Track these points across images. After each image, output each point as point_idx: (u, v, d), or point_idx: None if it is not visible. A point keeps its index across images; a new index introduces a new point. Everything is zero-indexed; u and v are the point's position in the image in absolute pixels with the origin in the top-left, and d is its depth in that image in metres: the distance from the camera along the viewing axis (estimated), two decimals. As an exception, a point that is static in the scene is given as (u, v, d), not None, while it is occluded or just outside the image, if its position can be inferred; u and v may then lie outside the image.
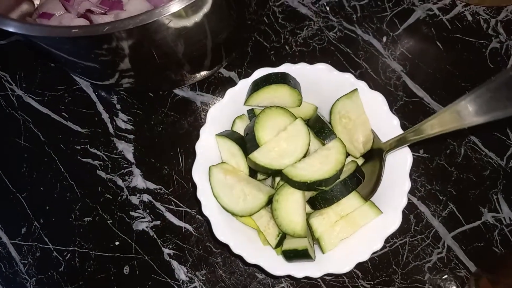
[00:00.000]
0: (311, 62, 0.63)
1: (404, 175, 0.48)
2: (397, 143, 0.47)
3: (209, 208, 0.49)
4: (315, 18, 0.65)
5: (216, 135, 0.51)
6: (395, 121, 0.50)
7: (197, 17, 0.46)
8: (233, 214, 0.49)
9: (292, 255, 0.46)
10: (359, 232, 0.49)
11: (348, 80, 0.51)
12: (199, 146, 0.51)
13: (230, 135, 0.51)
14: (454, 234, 0.57)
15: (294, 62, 0.63)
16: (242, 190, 0.48)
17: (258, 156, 0.47)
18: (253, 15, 0.58)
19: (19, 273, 0.58)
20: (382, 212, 0.48)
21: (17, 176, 0.62)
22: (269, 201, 0.48)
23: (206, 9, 0.45)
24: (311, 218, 0.49)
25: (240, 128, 0.52)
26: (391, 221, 0.48)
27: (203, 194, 0.49)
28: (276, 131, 0.49)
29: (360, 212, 0.48)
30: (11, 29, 0.39)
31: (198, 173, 0.50)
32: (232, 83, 0.64)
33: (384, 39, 0.64)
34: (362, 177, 0.49)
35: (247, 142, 0.50)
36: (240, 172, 0.50)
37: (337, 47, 0.64)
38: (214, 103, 0.62)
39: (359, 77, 0.62)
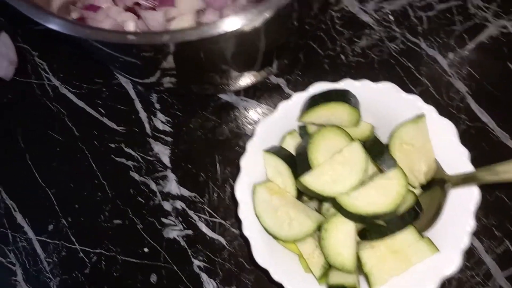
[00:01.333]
0: (369, 74, 0.58)
1: (468, 213, 0.44)
2: (465, 180, 0.43)
3: (250, 228, 0.45)
4: (376, 26, 0.60)
5: (263, 150, 0.47)
6: (464, 155, 0.45)
7: (258, 24, 0.42)
8: (276, 238, 0.45)
9: None
10: (410, 269, 0.44)
11: (414, 103, 0.46)
12: (245, 161, 0.47)
13: (279, 152, 0.47)
14: (507, 274, 0.52)
15: (350, 73, 0.59)
16: (287, 214, 0.44)
17: (310, 180, 0.43)
18: (313, 20, 0.53)
19: (43, 271, 0.56)
20: (438, 250, 0.44)
21: (47, 170, 0.59)
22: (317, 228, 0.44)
23: (268, 14, 0.41)
24: (361, 250, 0.44)
25: (290, 146, 0.48)
26: (449, 261, 0.44)
27: (245, 213, 0.46)
28: (330, 153, 0.44)
29: (415, 249, 0.44)
30: (55, 27, 0.36)
31: (242, 190, 0.46)
32: (280, 91, 0.59)
33: (451, 55, 0.58)
34: (421, 210, 0.44)
35: (298, 163, 0.46)
36: (287, 194, 0.46)
37: (398, 60, 0.58)
38: (258, 110, 0.59)
39: (420, 95, 0.56)
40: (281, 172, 0.46)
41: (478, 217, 0.53)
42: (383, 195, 0.42)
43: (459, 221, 0.44)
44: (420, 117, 0.45)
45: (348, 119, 0.46)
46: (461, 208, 0.44)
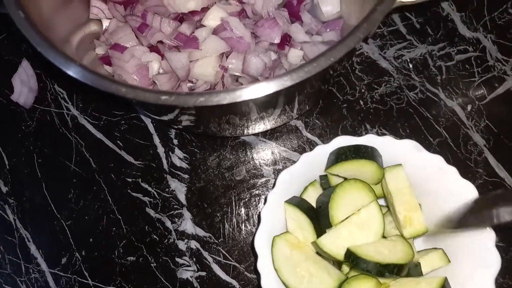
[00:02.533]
0: (387, 121, 0.59)
1: (489, 281, 0.44)
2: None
3: (269, 282, 0.45)
4: (395, 74, 0.60)
5: (285, 202, 0.47)
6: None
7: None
8: None
9: None
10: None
11: (437, 164, 0.46)
12: (265, 213, 0.47)
13: (300, 204, 0.47)
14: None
15: (367, 119, 0.59)
16: (308, 270, 0.45)
17: (326, 243, 0.43)
18: (338, 65, 0.54)
19: (54, 304, 0.56)
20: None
21: (63, 201, 0.59)
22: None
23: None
24: None
25: (312, 196, 0.48)
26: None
27: (264, 266, 0.46)
28: (351, 208, 0.45)
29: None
30: (75, 76, 0.36)
31: (261, 242, 0.46)
32: (298, 133, 0.60)
33: (469, 107, 0.59)
34: None
35: (320, 217, 0.46)
36: (307, 248, 0.46)
37: (417, 109, 0.59)
38: (276, 151, 0.59)
39: (438, 146, 0.57)
40: (302, 226, 0.46)
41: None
42: (393, 252, 0.43)
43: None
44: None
45: (372, 177, 0.46)
46: (481, 274, 0.45)
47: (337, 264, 0.47)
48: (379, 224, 0.44)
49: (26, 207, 0.60)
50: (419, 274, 0.45)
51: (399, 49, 0.61)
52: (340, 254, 0.42)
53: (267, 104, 0.44)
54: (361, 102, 0.60)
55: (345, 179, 0.48)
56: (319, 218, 0.46)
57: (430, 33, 0.61)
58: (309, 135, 0.59)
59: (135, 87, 0.35)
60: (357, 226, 0.43)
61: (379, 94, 0.60)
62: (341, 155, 0.46)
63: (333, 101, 0.60)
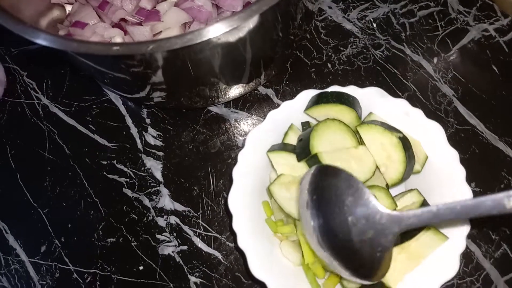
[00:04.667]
0: (356, 81, 0.59)
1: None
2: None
3: (246, 241, 0.45)
4: (360, 35, 0.61)
5: (268, 151, 0.47)
6: (454, 155, 0.45)
7: (242, 34, 0.42)
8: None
9: None
10: (415, 276, 0.44)
11: (402, 107, 0.47)
12: (237, 172, 0.47)
13: (284, 147, 0.47)
14: (507, 278, 0.52)
15: (337, 81, 0.59)
16: None
17: (326, 158, 0.43)
18: (297, 30, 0.54)
19: (36, 294, 0.55)
20: (448, 238, 0.44)
21: (39, 190, 0.59)
22: None
23: (253, 25, 0.42)
24: None
25: (293, 140, 0.48)
26: (448, 266, 0.44)
27: (239, 225, 0.45)
28: (332, 146, 0.44)
29: (423, 241, 0.43)
30: (43, 43, 0.36)
31: (235, 202, 0.46)
32: (269, 101, 0.60)
33: (435, 60, 0.59)
34: None
35: (297, 149, 0.45)
36: (298, 178, 0.45)
37: (384, 67, 0.59)
38: (249, 121, 0.59)
39: (407, 100, 0.57)
40: (294, 165, 0.46)
41: (473, 221, 0.53)
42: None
43: (455, 223, 0.45)
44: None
45: (350, 125, 0.46)
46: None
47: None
48: (373, 164, 0.44)
49: (1, 199, 0.59)
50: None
51: (362, 10, 0.62)
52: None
53: (229, 58, 0.44)
54: (329, 65, 0.60)
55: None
56: (298, 152, 0.45)
57: (391, -7, 0.62)
58: (280, 102, 0.59)
59: (87, 42, 0.35)
60: (354, 159, 0.43)
61: (346, 56, 0.60)
62: (323, 98, 0.46)
63: (301, 66, 0.60)
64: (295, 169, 0.46)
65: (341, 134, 0.45)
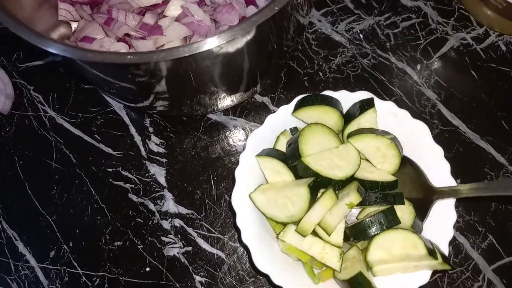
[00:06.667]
0: (346, 88, 0.63)
1: (449, 206, 0.47)
2: (450, 194, 0.47)
3: (249, 236, 0.48)
4: (348, 45, 0.65)
5: (256, 156, 0.50)
6: (439, 151, 0.49)
7: (241, 45, 0.46)
8: (296, 222, 0.47)
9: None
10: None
11: (389, 109, 0.51)
12: (239, 173, 0.50)
13: (271, 153, 0.50)
14: (494, 267, 0.55)
15: (328, 88, 0.63)
16: (285, 197, 0.48)
17: (311, 161, 0.46)
18: (290, 42, 0.58)
19: (46, 298, 0.57)
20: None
21: (47, 198, 0.61)
22: (313, 195, 0.47)
23: (251, 36, 0.46)
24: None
25: (284, 146, 0.52)
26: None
27: (243, 221, 0.48)
28: (319, 148, 0.48)
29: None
30: (65, 54, 0.39)
31: (237, 200, 0.49)
32: (266, 108, 0.63)
33: (418, 67, 0.64)
34: (394, 220, 0.47)
35: (288, 152, 0.49)
36: (276, 183, 0.49)
37: (371, 74, 0.64)
38: (247, 127, 0.63)
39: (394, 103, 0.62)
40: (278, 170, 0.49)
41: (461, 214, 0.57)
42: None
43: (442, 216, 0.48)
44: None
45: (334, 125, 0.50)
46: (443, 203, 0.48)
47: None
48: (357, 158, 0.48)
49: (11, 208, 0.61)
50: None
51: (349, 22, 0.66)
52: (323, 172, 0.46)
53: (228, 67, 0.48)
54: (320, 74, 0.64)
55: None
56: (288, 153, 0.49)
57: (375, 6, 0.67)
58: (276, 109, 0.62)
59: (102, 51, 0.38)
60: (337, 156, 0.47)
61: (336, 64, 0.64)
62: (308, 101, 0.50)
63: (294, 75, 0.64)
64: (279, 174, 0.50)
65: (325, 136, 0.49)
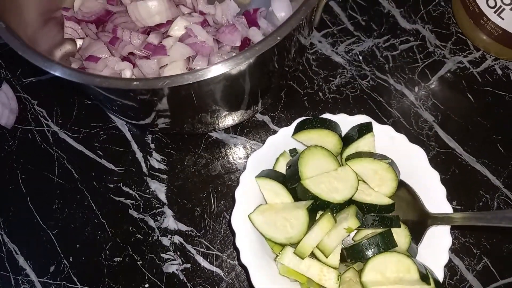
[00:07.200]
0: (345, 109, 0.64)
1: (444, 231, 0.48)
2: (444, 221, 0.48)
3: (248, 256, 0.49)
4: (348, 66, 0.67)
5: (256, 177, 0.51)
6: (435, 175, 0.50)
7: (243, 69, 0.47)
8: (294, 244, 0.48)
9: None
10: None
11: (388, 132, 0.52)
12: (239, 193, 0.51)
13: (270, 174, 0.51)
14: (489, 290, 0.56)
15: (327, 108, 0.65)
16: (284, 218, 0.48)
17: (310, 184, 0.47)
18: (291, 62, 0.60)
19: (45, 312, 0.58)
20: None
21: (48, 212, 0.62)
22: (311, 218, 0.48)
23: (252, 62, 0.47)
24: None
25: (283, 167, 0.53)
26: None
27: (242, 241, 0.49)
28: (318, 171, 0.49)
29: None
30: (72, 79, 0.40)
31: (237, 220, 0.50)
32: (266, 127, 0.64)
33: (416, 89, 0.65)
34: (391, 243, 0.48)
35: (287, 175, 0.50)
36: (275, 205, 0.50)
37: (370, 95, 0.65)
38: (247, 146, 0.64)
39: (392, 125, 0.62)
40: (277, 192, 0.50)
41: (456, 236, 0.58)
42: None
43: (438, 241, 0.49)
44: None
45: (334, 147, 0.51)
46: (438, 228, 0.49)
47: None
48: (355, 181, 0.49)
49: (12, 222, 0.62)
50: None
51: (349, 44, 0.68)
52: (322, 195, 0.47)
53: (230, 89, 0.49)
54: (320, 94, 0.65)
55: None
56: (287, 176, 0.50)
57: (375, 28, 0.69)
58: (276, 128, 0.64)
59: (108, 77, 0.39)
60: (336, 179, 0.48)
61: (335, 85, 0.66)
62: (307, 124, 0.51)
63: (294, 95, 0.66)
64: (278, 195, 0.50)
65: (324, 159, 0.50)
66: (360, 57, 0.67)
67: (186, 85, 0.41)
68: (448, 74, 0.66)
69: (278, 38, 0.40)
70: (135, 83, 0.39)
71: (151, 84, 0.39)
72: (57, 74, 0.41)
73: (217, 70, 0.39)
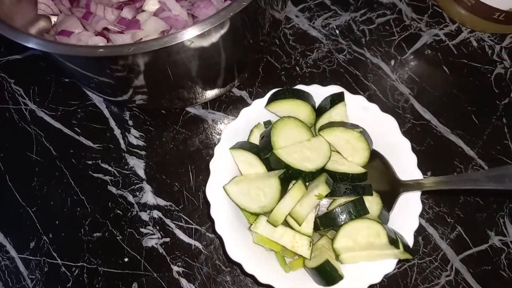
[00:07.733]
0: (321, 83, 0.65)
1: (416, 199, 0.49)
2: (415, 187, 0.48)
3: (223, 226, 0.49)
4: (325, 40, 0.67)
5: (230, 148, 0.52)
6: (406, 144, 0.51)
7: (214, 38, 0.47)
8: (268, 213, 0.48)
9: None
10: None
11: (360, 102, 0.52)
12: (213, 164, 0.51)
13: (244, 145, 0.52)
14: (462, 257, 0.57)
15: (305, 83, 0.65)
16: (257, 188, 0.49)
17: (283, 153, 0.48)
18: (266, 37, 0.60)
19: (26, 288, 0.58)
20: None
21: (27, 190, 0.62)
22: (284, 186, 0.48)
23: (224, 30, 0.47)
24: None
25: (257, 139, 0.53)
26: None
27: (217, 212, 0.50)
28: (291, 141, 0.50)
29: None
30: (35, 47, 0.40)
31: (212, 191, 0.50)
32: (243, 102, 0.65)
33: (392, 62, 0.65)
34: (362, 210, 0.49)
35: (260, 145, 0.51)
36: (249, 175, 0.50)
37: (347, 69, 0.65)
38: (225, 121, 0.64)
39: (368, 99, 0.63)
40: (251, 162, 0.51)
41: (430, 206, 0.59)
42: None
43: (409, 208, 0.50)
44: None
45: (306, 118, 0.52)
46: (409, 195, 0.50)
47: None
48: (328, 151, 0.49)
49: (-9, 200, 0.62)
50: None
51: (325, 18, 0.68)
52: (294, 164, 0.47)
53: (203, 61, 0.49)
54: (297, 68, 0.66)
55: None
56: (261, 146, 0.50)
57: (351, 2, 0.69)
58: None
59: (76, 45, 0.39)
60: (309, 149, 0.49)
61: (312, 60, 0.66)
62: (280, 94, 0.51)
63: (272, 70, 0.66)
64: (252, 166, 0.51)
65: (297, 129, 0.50)
66: (337, 31, 0.67)
67: (155, 53, 0.41)
68: (424, 47, 0.66)
69: (244, 3, 0.40)
70: (100, 50, 0.39)
71: (117, 50, 0.39)
72: (25, 44, 0.41)
73: (183, 35, 0.39)
